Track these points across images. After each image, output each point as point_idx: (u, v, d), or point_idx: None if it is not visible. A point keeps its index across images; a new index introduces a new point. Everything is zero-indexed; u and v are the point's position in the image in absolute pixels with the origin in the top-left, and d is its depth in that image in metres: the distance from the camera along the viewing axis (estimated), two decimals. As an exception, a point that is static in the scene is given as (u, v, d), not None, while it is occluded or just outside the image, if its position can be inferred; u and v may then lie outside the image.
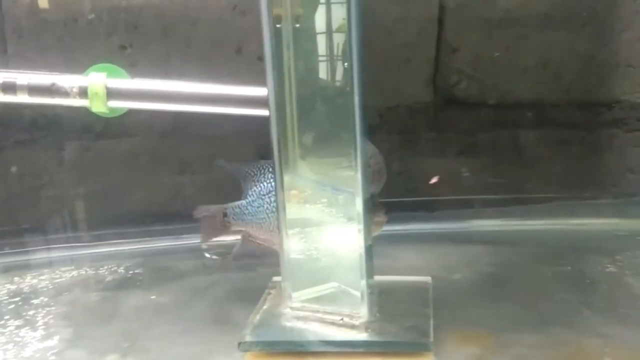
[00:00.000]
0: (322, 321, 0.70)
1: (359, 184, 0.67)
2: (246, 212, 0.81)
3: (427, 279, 0.80)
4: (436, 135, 1.14)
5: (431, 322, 0.69)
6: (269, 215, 0.80)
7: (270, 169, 0.80)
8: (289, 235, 0.72)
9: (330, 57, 0.68)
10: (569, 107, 1.13)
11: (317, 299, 0.72)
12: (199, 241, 0.87)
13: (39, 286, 0.93)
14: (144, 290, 0.89)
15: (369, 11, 1.06)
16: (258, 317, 0.73)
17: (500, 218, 1.10)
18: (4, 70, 0.85)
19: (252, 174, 0.83)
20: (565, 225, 1.08)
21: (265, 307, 0.76)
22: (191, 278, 0.94)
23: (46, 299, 0.88)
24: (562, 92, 1.12)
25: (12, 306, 0.86)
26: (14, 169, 1.10)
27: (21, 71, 0.86)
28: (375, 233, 0.73)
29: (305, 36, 0.68)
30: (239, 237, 0.83)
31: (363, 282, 0.69)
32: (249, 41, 1.07)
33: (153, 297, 0.87)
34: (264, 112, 0.70)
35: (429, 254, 0.97)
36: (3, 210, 1.09)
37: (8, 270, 1.00)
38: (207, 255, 1.00)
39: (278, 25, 0.67)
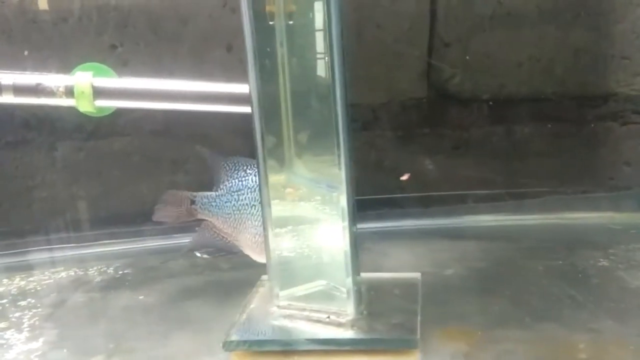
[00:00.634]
0: (309, 319, 0.70)
1: (343, 181, 0.66)
2: (214, 204, 0.84)
3: (417, 275, 0.79)
4: (430, 130, 1.13)
5: (418, 318, 0.69)
6: (235, 211, 0.82)
7: (246, 167, 0.83)
8: (276, 234, 0.71)
9: (324, 54, 0.67)
10: (563, 101, 1.12)
11: (304, 297, 0.72)
12: (152, 217, 0.88)
13: (27, 287, 0.93)
14: (132, 291, 0.89)
15: (361, 6, 1.06)
16: (244, 316, 0.73)
17: (494, 213, 1.09)
18: (-12, 70, 0.85)
19: (227, 168, 0.85)
20: (560, 219, 1.07)
21: (252, 305, 0.75)
22: (180, 278, 0.93)
23: (33, 301, 0.87)
24: (556, 86, 1.11)
25: (-1, 308, 0.87)
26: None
27: (6, 71, 0.85)
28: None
29: (298, 33, 0.67)
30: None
31: (349, 280, 0.68)
32: (239, 38, 1.06)
33: (141, 297, 0.87)
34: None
35: (421, 250, 0.96)
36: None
37: (-2, 271, 1.00)
38: (197, 254, 1.00)
39: (271, 23, 0.66)
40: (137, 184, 1.11)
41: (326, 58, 0.64)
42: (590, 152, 1.13)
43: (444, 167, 1.13)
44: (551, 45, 1.09)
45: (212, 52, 1.07)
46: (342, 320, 0.68)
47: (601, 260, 0.88)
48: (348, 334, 0.67)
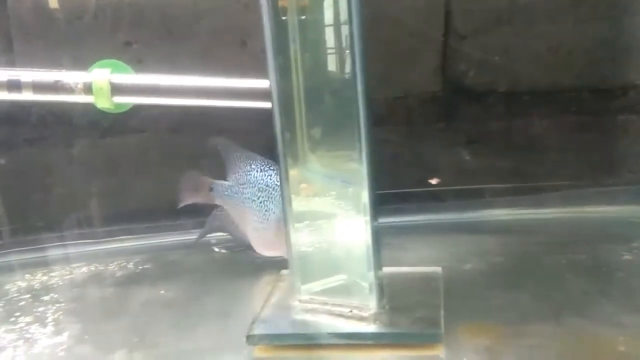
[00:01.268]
0: (331, 313, 0.70)
1: (365, 176, 0.66)
2: (227, 192, 0.92)
3: (438, 269, 0.79)
4: (445, 125, 1.13)
5: (441, 312, 0.68)
6: (240, 203, 0.89)
7: (251, 163, 0.90)
8: (297, 229, 0.71)
9: (337, 49, 0.67)
10: (582, 93, 1.11)
11: (325, 291, 0.72)
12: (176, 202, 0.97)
13: (49, 283, 0.93)
14: (152, 286, 0.89)
15: (376, 1, 1.06)
16: (266, 310, 0.73)
17: (512, 207, 1.08)
18: (8, 68, 0.86)
19: (235, 160, 0.91)
20: (579, 213, 1.06)
21: (273, 300, 0.75)
22: (200, 273, 0.93)
23: (56, 296, 0.88)
24: (574, 78, 1.10)
25: (23, 303, 0.87)
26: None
27: (25, 69, 0.86)
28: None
29: (311, 28, 0.67)
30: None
31: (371, 274, 0.68)
32: (253, 34, 1.06)
33: (162, 292, 0.87)
34: (268, 105, 0.70)
35: (440, 245, 0.96)
36: (14, 208, 1.09)
37: (19, 267, 1.00)
38: (215, 249, 1.00)
39: (284, 18, 0.66)
40: (153, 180, 1.11)
41: (347, 51, 0.64)
42: (610, 145, 1.11)
43: (460, 161, 1.13)
44: (569, 37, 1.08)
45: (226, 47, 1.07)
46: (365, 314, 0.68)
47: (624, 254, 0.86)
48: (371, 328, 0.67)
